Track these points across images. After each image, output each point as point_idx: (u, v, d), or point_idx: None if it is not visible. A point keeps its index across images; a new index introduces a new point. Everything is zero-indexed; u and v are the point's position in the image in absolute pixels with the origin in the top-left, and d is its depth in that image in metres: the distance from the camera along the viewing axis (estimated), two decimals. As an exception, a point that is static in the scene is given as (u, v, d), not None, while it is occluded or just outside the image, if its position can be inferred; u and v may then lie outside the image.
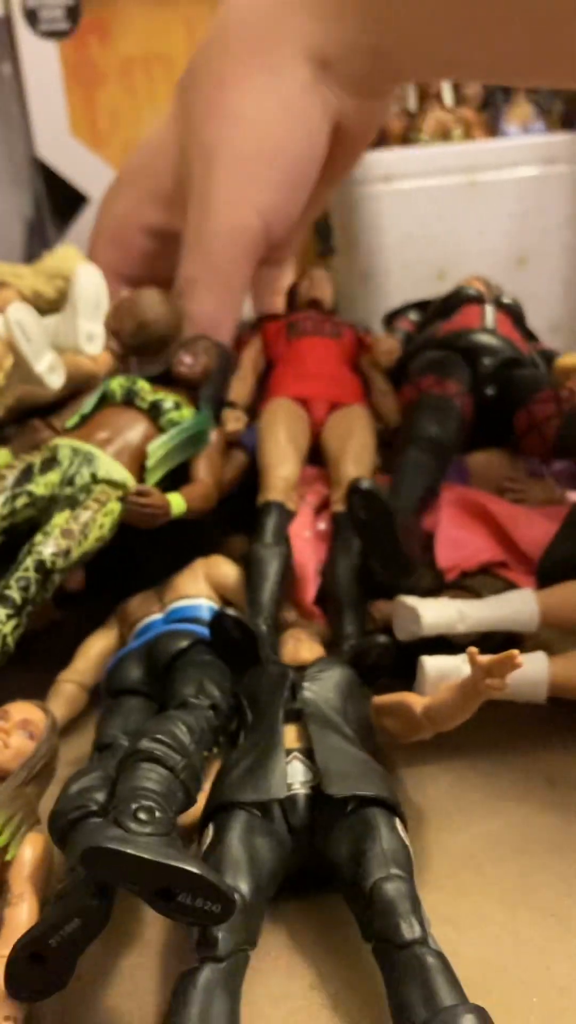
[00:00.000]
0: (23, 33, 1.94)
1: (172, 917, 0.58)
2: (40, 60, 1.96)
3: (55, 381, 0.99)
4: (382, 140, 1.77)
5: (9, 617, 0.81)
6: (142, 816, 0.60)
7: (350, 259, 1.79)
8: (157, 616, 0.95)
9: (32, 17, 1.93)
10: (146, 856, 0.56)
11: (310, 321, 1.19)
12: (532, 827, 0.75)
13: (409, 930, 0.56)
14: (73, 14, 1.94)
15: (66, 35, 1.95)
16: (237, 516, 1.09)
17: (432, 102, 1.75)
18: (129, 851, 0.56)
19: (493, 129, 1.78)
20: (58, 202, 2.04)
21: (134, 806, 0.60)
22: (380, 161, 1.70)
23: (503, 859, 0.72)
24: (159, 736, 0.68)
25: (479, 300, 1.21)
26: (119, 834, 0.58)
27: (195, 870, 0.56)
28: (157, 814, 0.60)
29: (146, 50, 2.08)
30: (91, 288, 1.08)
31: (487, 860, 0.72)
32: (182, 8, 2.09)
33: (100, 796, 0.68)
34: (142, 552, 1.04)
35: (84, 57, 2.01)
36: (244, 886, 0.61)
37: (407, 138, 1.75)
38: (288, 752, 0.70)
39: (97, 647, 0.97)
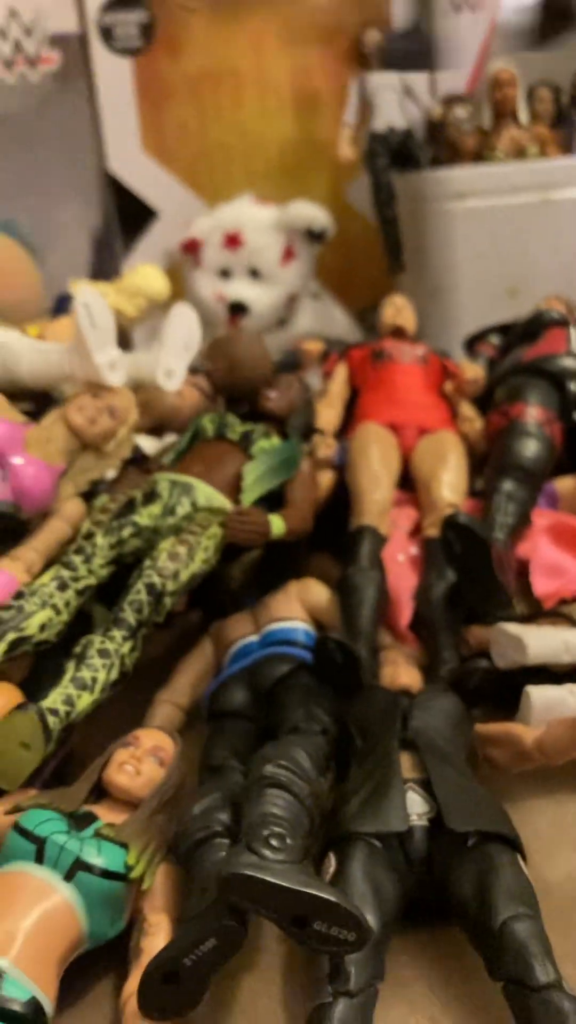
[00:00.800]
0: (98, 49, 1.97)
1: (306, 944, 0.60)
2: (114, 76, 1.99)
3: (114, 378, 0.98)
4: (455, 157, 1.78)
5: (125, 639, 0.83)
6: (274, 843, 0.61)
7: (420, 276, 1.80)
8: (253, 638, 0.96)
9: (107, 34, 1.96)
10: (284, 884, 0.58)
11: (395, 348, 1.21)
12: None
13: (544, 973, 0.57)
14: (147, 31, 1.97)
15: (139, 52, 1.98)
16: (322, 535, 1.11)
17: (507, 120, 1.76)
18: (268, 879, 0.58)
19: (568, 146, 1.78)
20: (127, 216, 2.07)
21: (265, 832, 0.62)
22: (453, 178, 1.71)
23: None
24: (282, 762, 0.69)
25: (563, 323, 1.22)
26: (255, 861, 0.59)
27: (333, 898, 0.58)
28: (288, 841, 0.62)
29: (214, 66, 2.10)
30: (183, 328, 1.09)
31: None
32: (249, 24, 2.10)
33: (224, 817, 0.70)
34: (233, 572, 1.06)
35: (154, 73, 2.04)
36: (371, 919, 0.63)
37: (481, 155, 1.75)
38: (404, 782, 0.72)
39: (193, 668, 0.99)
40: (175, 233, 1.98)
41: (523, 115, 1.75)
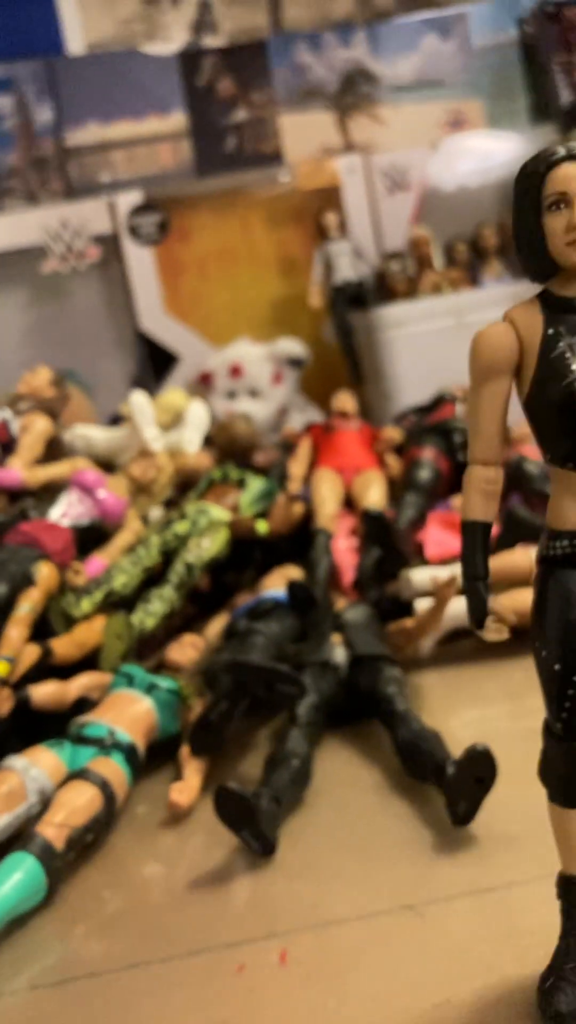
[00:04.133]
0: (128, 244, 2.66)
1: (272, 699, 1.14)
2: (140, 261, 2.68)
3: (156, 446, 1.60)
4: (391, 297, 2.42)
5: (173, 591, 1.40)
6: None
7: (374, 384, 2.42)
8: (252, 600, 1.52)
9: (134, 232, 2.66)
10: (260, 664, 1.13)
11: (340, 423, 1.81)
12: None
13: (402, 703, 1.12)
14: (164, 227, 2.67)
15: (159, 243, 2.67)
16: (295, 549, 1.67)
17: (426, 268, 2.41)
18: (251, 662, 1.13)
19: (474, 282, 2.42)
20: (156, 361, 2.72)
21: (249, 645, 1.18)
22: (391, 313, 2.35)
23: None
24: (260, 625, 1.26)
25: (453, 400, 1.81)
26: (245, 658, 1.15)
27: (287, 671, 1.13)
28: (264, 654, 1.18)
29: (215, 246, 2.80)
30: (198, 416, 1.71)
31: None
32: (239, 212, 2.81)
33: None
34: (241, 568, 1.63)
35: (171, 255, 2.73)
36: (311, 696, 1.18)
37: (409, 294, 2.39)
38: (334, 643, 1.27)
39: (215, 627, 1.54)
40: (193, 370, 2.62)
41: (438, 263, 2.40)
